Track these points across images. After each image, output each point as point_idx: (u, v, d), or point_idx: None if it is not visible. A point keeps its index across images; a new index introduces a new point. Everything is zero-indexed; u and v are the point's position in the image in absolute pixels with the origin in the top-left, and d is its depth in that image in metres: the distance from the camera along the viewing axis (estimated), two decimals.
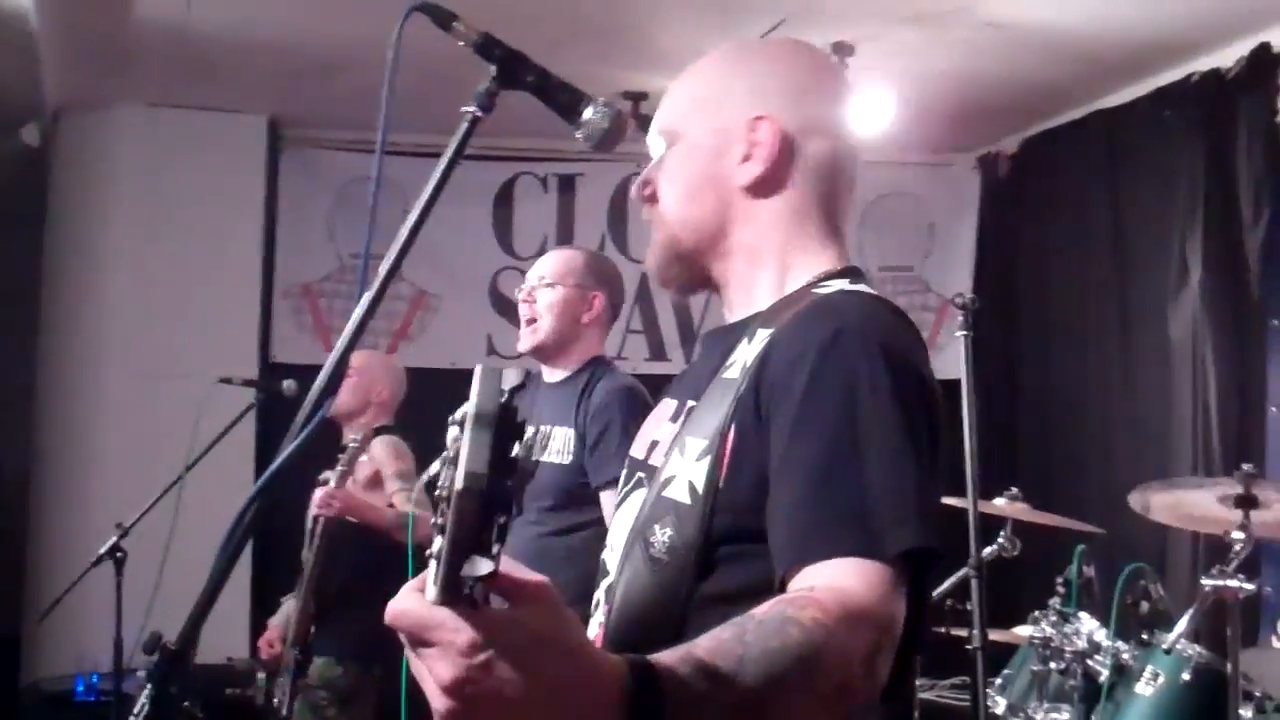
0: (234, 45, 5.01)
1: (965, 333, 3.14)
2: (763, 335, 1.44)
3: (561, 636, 0.99)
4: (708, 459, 1.38)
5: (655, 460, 1.50)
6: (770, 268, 1.54)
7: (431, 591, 0.95)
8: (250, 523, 1.45)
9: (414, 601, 0.97)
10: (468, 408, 0.94)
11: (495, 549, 0.93)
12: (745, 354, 1.44)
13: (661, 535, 1.39)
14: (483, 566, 0.93)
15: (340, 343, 1.46)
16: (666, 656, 1.08)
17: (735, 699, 1.09)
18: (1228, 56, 4.84)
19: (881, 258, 6.32)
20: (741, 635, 1.12)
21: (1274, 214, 4.87)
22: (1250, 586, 3.28)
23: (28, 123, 5.83)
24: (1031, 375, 6.08)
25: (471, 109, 1.46)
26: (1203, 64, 4.98)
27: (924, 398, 1.37)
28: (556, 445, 3.20)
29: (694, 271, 1.59)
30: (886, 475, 1.28)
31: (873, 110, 4.99)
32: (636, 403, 3.11)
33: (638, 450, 1.58)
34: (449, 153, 1.45)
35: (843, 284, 1.50)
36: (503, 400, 0.94)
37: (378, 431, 4.21)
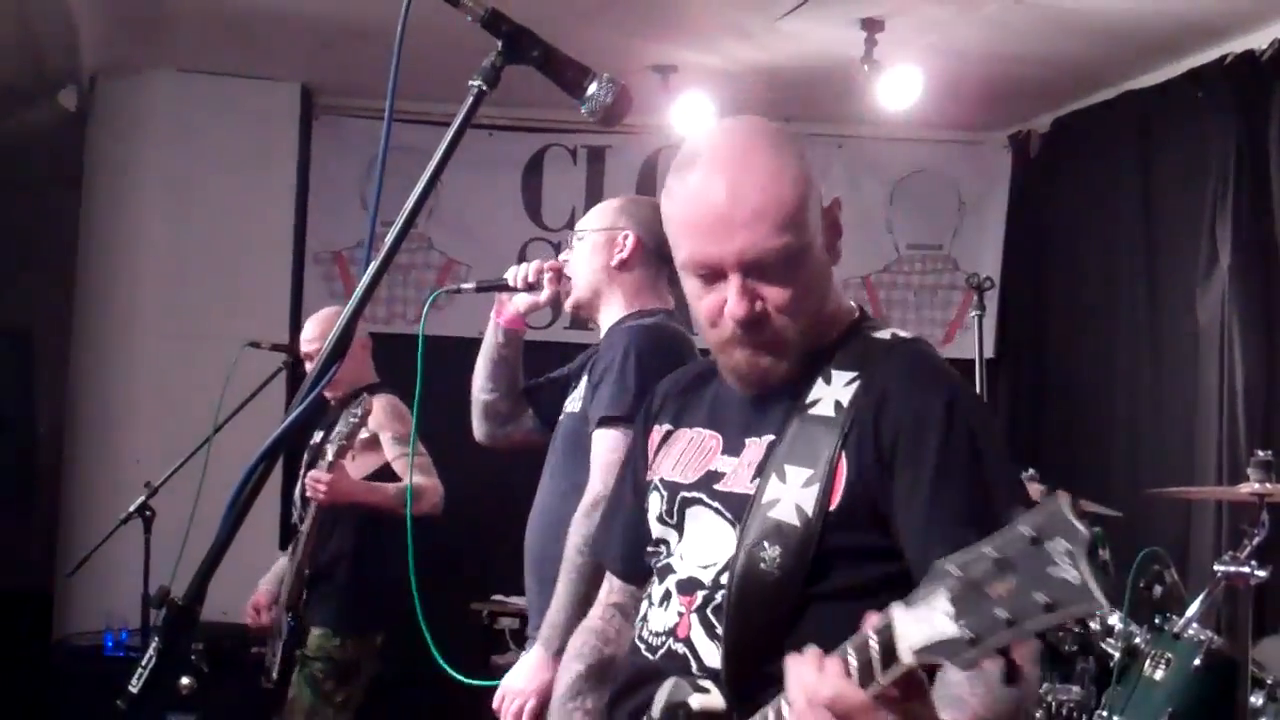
0: (267, 12, 5.04)
1: (978, 312, 3.16)
2: (843, 377, 1.69)
3: None
4: (816, 486, 1.62)
5: (731, 486, 1.71)
6: (823, 321, 1.74)
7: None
8: (256, 485, 1.49)
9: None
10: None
11: None
12: (833, 393, 1.69)
13: (771, 552, 1.62)
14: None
15: (350, 306, 1.50)
16: None
17: None
18: (1262, 38, 4.79)
19: (911, 235, 6.32)
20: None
21: None
22: (1262, 573, 3.29)
23: (65, 87, 5.89)
24: (1058, 356, 6.07)
25: (477, 83, 1.48)
26: (1237, 45, 4.94)
27: (1001, 434, 1.74)
28: (576, 394, 2.86)
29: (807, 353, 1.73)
30: None
31: (901, 87, 4.98)
32: (651, 339, 2.73)
33: (677, 474, 1.79)
34: (455, 125, 1.49)
35: (890, 329, 1.78)
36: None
37: (370, 390, 4.10)
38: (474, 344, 6.25)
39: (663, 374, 2.64)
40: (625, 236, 2.84)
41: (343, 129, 6.23)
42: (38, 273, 6.61)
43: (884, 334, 1.77)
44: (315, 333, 4.20)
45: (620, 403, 2.64)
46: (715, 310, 1.69)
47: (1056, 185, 6.14)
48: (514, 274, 2.91)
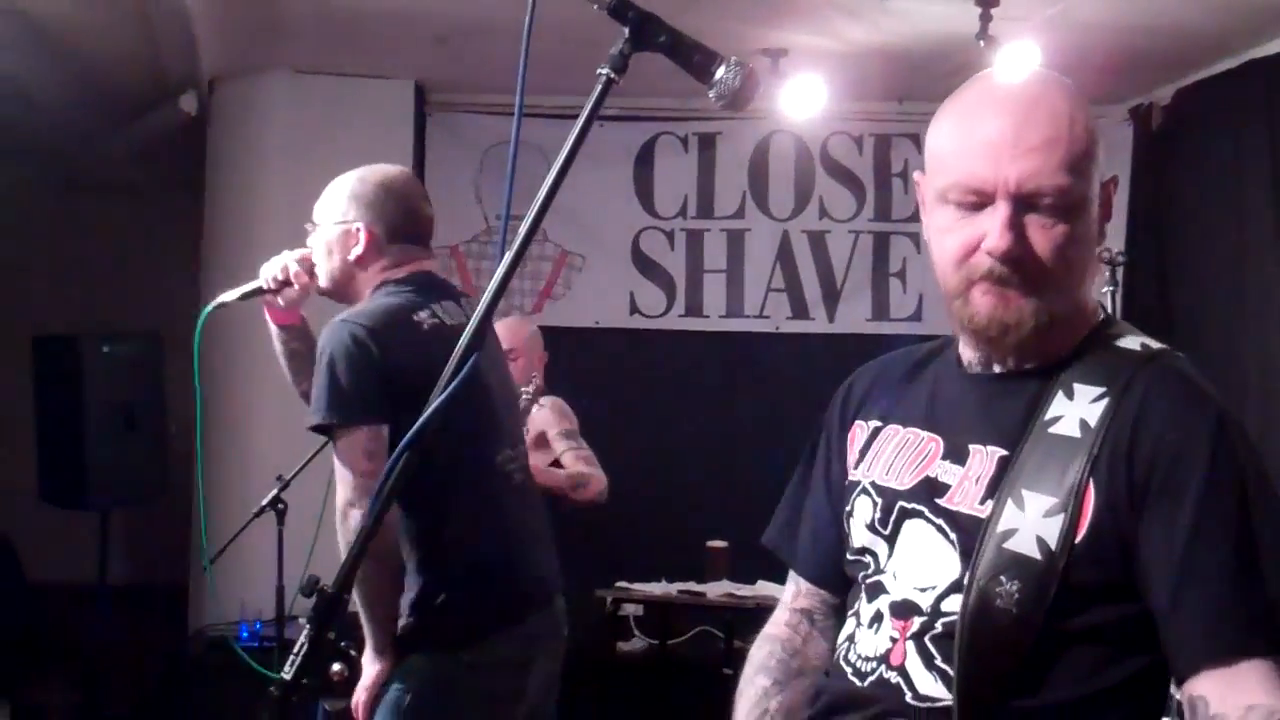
0: (380, 12, 5.11)
1: (1110, 288, 3.10)
2: (1088, 393, 1.54)
3: None
4: (1060, 517, 1.49)
5: (958, 504, 1.58)
6: (1070, 315, 1.60)
7: None
8: (401, 473, 1.51)
9: None
10: None
11: None
12: (1077, 410, 1.54)
13: (1009, 587, 1.49)
14: None
15: (484, 300, 1.51)
16: None
17: None
18: None
19: None
20: None
21: None
22: None
23: (186, 92, 6.04)
24: (1184, 334, 5.92)
25: (605, 71, 1.49)
26: None
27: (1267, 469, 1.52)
28: None
29: (1050, 341, 1.58)
30: None
31: (1019, 61, 4.89)
32: (339, 338, 2.75)
33: (892, 479, 1.66)
34: (584, 115, 1.48)
35: (1138, 336, 1.62)
36: None
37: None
38: (595, 332, 6.31)
39: (360, 363, 2.69)
40: (357, 229, 2.89)
41: (456, 125, 6.30)
42: (165, 274, 6.78)
43: (1132, 343, 1.60)
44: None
45: (319, 408, 2.70)
46: (969, 244, 1.55)
47: (1180, 158, 5.98)
48: (265, 275, 3.03)
